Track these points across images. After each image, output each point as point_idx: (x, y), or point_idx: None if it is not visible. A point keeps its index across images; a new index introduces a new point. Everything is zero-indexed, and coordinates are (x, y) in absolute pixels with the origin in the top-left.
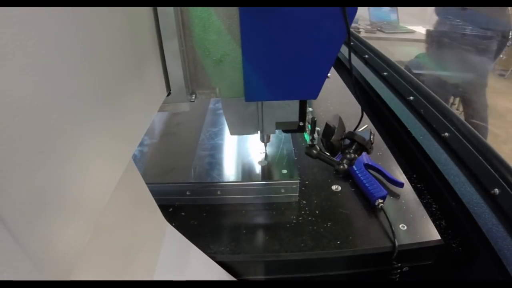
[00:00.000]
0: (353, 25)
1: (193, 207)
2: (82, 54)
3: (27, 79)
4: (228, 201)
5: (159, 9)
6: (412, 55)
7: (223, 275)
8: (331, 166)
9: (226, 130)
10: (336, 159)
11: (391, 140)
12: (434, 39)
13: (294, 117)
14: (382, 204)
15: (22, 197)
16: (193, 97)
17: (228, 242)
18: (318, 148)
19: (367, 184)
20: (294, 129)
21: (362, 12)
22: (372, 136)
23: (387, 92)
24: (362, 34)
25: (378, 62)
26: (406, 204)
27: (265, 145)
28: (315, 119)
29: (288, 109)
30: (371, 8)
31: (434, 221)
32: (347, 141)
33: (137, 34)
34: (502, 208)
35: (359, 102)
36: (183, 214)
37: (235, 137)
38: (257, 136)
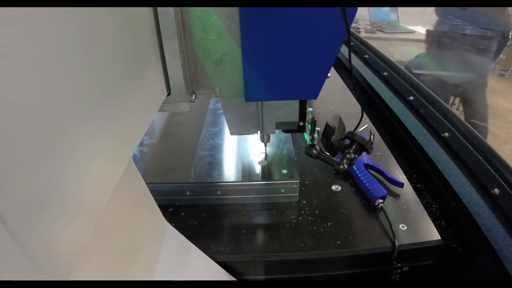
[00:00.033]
0: (353, 25)
1: (193, 207)
2: (82, 54)
3: (27, 79)
4: (228, 201)
5: (159, 9)
6: (412, 55)
7: (223, 275)
8: (331, 166)
9: (226, 130)
10: (336, 159)
11: (391, 140)
12: (434, 39)
13: (294, 117)
14: (382, 204)
15: (22, 197)
16: (193, 97)
17: (228, 242)
18: (318, 148)
19: (367, 184)
20: (294, 129)
21: (362, 12)
22: (372, 136)
23: (387, 92)
24: (362, 34)
25: (378, 62)
26: (406, 204)
27: (265, 145)
28: (315, 119)
29: (288, 109)
30: (371, 8)
31: (434, 221)
32: (347, 141)
33: (137, 34)
34: (502, 208)
35: (359, 102)
36: (183, 214)
37: (235, 137)
38: (257, 136)
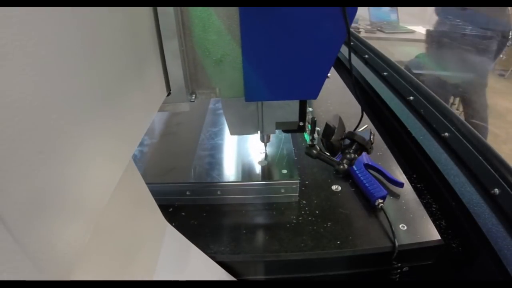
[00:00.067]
0: (353, 25)
1: (193, 207)
2: (82, 54)
3: (27, 79)
4: (228, 201)
5: (159, 9)
6: (412, 55)
7: (223, 275)
8: (331, 166)
9: (226, 130)
10: (336, 159)
11: (391, 140)
12: (434, 39)
13: (294, 117)
14: (382, 204)
15: (22, 197)
16: (193, 97)
17: (228, 242)
18: (318, 148)
19: (367, 184)
20: (294, 129)
21: (362, 12)
22: (372, 136)
23: (387, 92)
24: (362, 34)
25: (378, 62)
26: (406, 204)
27: (265, 145)
28: (315, 119)
29: (288, 109)
30: (371, 8)
31: (434, 221)
32: (347, 141)
33: (137, 34)
34: (502, 208)
35: (359, 102)
36: (183, 214)
37: (235, 137)
38: (257, 136)
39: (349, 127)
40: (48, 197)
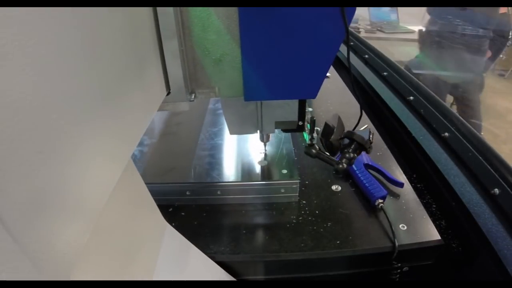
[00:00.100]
0: (353, 25)
1: (193, 207)
2: (82, 54)
3: (27, 79)
4: (228, 201)
5: (159, 9)
6: (412, 55)
7: (222, 275)
8: (331, 166)
9: (226, 130)
10: (336, 158)
11: (391, 140)
12: (425, 38)
13: (294, 116)
14: (382, 204)
15: (22, 197)
16: (193, 97)
17: (228, 242)
18: (317, 147)
19: (367, 184)
20: (293, 128)
21: (362, 12)
22: (371, 136)
23: (387, 92)
24: (362, 34)
25: (378, 62)
26: (406, 204)
27: (265, 145)
28: (314, 118)
29: (288, 109)
30: (371, 8)
31: (434, 221)
32: (346, 141)
33: (137, 34)
34: (502, 208)
35: (358, 101)
36: (183, 214)
37: (235, 137)
38: (257, 136)
39: (348, 127)
40: (48, 197)
